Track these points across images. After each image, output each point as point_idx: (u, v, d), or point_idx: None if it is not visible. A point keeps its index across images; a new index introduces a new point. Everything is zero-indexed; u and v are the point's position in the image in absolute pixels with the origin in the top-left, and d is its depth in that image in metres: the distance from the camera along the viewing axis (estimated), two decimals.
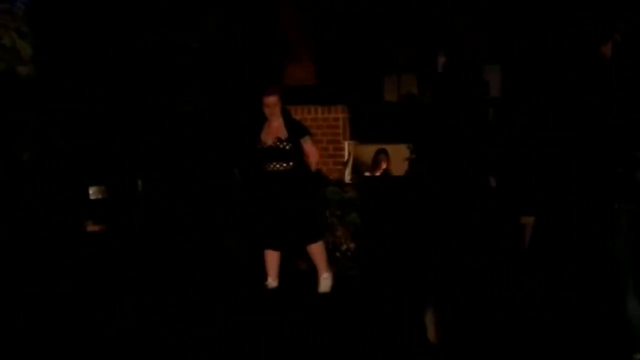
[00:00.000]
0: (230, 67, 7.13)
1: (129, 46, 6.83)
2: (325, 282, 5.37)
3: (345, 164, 6.66)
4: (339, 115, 6.74)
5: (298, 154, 5.27)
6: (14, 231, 6.01)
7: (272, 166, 5.27)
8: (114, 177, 6.66)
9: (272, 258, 5.45)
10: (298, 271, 5.93)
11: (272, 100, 5.30)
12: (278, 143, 5.24)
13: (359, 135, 7.10)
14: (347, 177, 6.52)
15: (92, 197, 6.48)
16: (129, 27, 6.82)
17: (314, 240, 5.36)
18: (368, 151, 6.93)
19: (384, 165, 6.67)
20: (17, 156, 6.39)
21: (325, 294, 5.35)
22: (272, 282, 5.47)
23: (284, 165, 5.24)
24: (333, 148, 6.34)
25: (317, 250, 5.37)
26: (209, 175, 6.83)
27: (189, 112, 7.04)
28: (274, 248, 5.44)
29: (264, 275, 5.49)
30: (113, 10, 6.77)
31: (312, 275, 5.64)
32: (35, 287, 5.49)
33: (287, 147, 5.23)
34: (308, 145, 5.32)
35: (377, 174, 6.66)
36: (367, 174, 6.78)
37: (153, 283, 5.75)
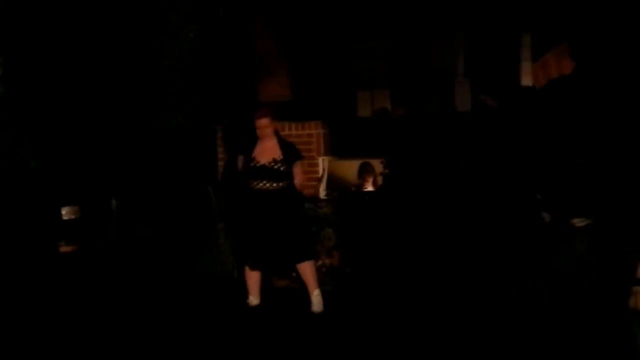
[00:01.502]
0: (205, 83, 7.12)
1: (102, 64, 6.79)
2: (317, 298, 5.38)
3: (319, 179, 6.67)
4: (312, 131, 6.76)
5: (289, 176, 5.33)
6: None
7: (261, 184, 5.29)
8: (87, 197, 6.58)
9: (253, 276, 5.45)
10: (276, 289, 5.92)
11: (264, 122, 5.35)
12: (273, 164, 5.29)
13: (334, 150, 7.12)
14: (322, 193, 6.54)
15: (65, 217, 6.40)
16: (101, 44, 6.78)
17: (306, 259, 5.37)
18: (343, 166, 6.97)
19: (370, 179, 6.68)
20: None
21: (315, 312, 5.36)
22: (253, 299, 5.46)
23: (274, 185, 5.29)
24: (307, 164, 6.35)
25: (308, 269, 5.38)
26: (183, 194, 6.80)
27: (162, 130, 7.01)
28: (261, 269, 5.44)
29: (245, 294, 5.47)
30: (86, 27, 6.73)
31: (292, 292, 5.71)
32: (8, 307, 5.41)
33: (282, 169, 5.30)
34: (298, 169, 5.41)
35: (368, 188, 6.66)
36: (353, 189, 6.79)
37: (128, 303, 5.70)
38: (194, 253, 6.43)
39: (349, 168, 6.84)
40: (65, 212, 6.37)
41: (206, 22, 7.04)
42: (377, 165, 6.69)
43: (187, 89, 7.10)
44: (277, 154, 5.33)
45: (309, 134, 6.76)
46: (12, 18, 6.39)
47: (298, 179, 5.41)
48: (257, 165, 5.32)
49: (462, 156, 6.35)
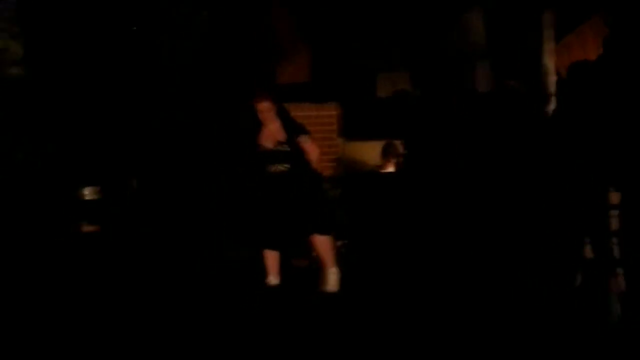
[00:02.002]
0: (223, 66, 7.12)
1: (121, 45, 6.82)
2: (332, 276, 5.33)
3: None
4: (332, 112, 6.74)
5: (298, 154, 5.29)
6: (8, 233, 5.99)
7: (274, 168, 5.30)
8: (108, 178, 6.64)
9: (271, 256, 5.45)
10: (296, 269, 5.90)
11: (264, 105, 5.31)
12: (278, 146, 5.28)
13: (352, 132, 7.10)
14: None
15: (86, 197, 6.46)
16: (121, 27, 6.80)
17: (322, 232, 5.34)
18: (361, 148, 6.93)
19: (393, 160, 6.60)
20: (10, 158, 6.38)
21: (329, 291, 5.30)
22: (273, 279, 5.46)
23: (285, 166, 5.28)
24: (327, 145, 6.33)
25: (324, 243, 5.34)
26: (205, 175, 6.82)
27: (184, 112, 7.03)
28: (279, 249, 5.43)
29: (264, 274, 5.47)
30: (105, 10, 6.75)
31: (312, 272, 5.67)
32: (30, 288, 5.47)
33: (288, 149, 5.27)
34: (307, 145, 5.32)
35: (389, 169, 6.58)
36: (375, 169, 6.71)
37: (149, 284, 5.73)
38: (214, 236, 6.45)
39: (367, 149, 6.80)
40: (88, 193, 6.44)
41: (223, 5, 7.03)
42: (400, 146, 6.64)
43: (207, 72, 7.11)
44: (281, 135, 5.31)
45: (329, 114, 6.74)
46: (28, 5, 6.41)
47: (312, 154, 5.33)
48: (265, 150, 5.32)
49: (477, 144, 6.25)
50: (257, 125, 5.38)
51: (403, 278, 5.60)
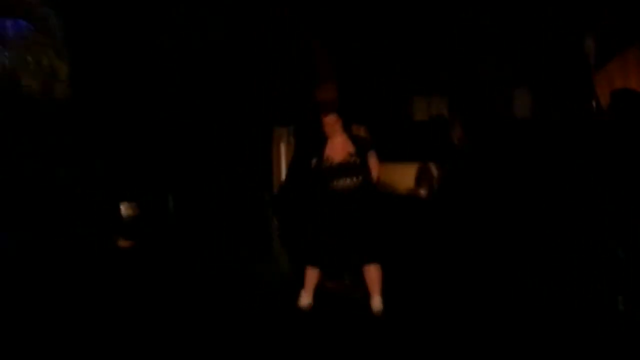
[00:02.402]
0: (262, 87, 7.23)
1: (162, 65, 6.99)
2: (376, 304, 5.24)
3: None
4: (363, 134, 6.75)
5: (365, 168, 5.24)
6: (47, 246, 6.12)
7: (341, 182, 5.20)
8: (145, 194, 6.75)
9: (313, 275, 5.35)
10: (327, 291, 5.85)
11: (332, 119, 5.31)
12: (349, 158, 5.22)
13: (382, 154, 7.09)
14: None
15: (123, 213, 6.58)
16: (161, 47, 6.98)
17: (374, 260, 5.25)
18: (393, 170, 6.87)
19: (426, 185, 6.50)
20: (53, 177, 6.54)
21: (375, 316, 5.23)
22: (306, 298, 5.37)
23: (355, 179, 5.19)
24: None
25: (375, 273, 5.24)
26: (239, 194, 6.89)
27: (221, 133, 7.14)
28: (328, 268, 5.36)
29: (298, 293, 5.41)
30: (146, 30, 6.93)
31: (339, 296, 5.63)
32: (64, 301, 5.56)
33: (358, 162, 5.21)
34: (373, 160, 5.30)
35: (422, 192, 6.48)
36: (409, 193, 6.63)
37: (181, 299, 5.77)
38: (248, 258, 6.47)
39: (399, 172, 6.74)
40: (124, 209, 6.56)
41: (261, 25, 7.15)
42: (434, 170, 6.57)
43: (245, 93, 7.22)
44: (350, 148, 5.27)
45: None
46: (75, 25, 6.62)
47: (374, 170, 5.29)
48: (333, 164, 5.25)
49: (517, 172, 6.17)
50: (321, 140, 5.34)
51: (437, 303, 5.50)
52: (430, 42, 8.12)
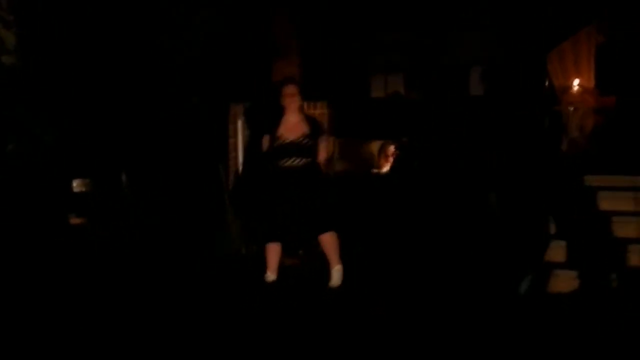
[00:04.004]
0: (220, 64, 7.12)
1: (115, 37, 6.80)
2: (337, 274, 5.35)
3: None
4: (323, 111, 6.75)
5: (315, 150, 5.32)
6: None
7: (289, 162, 5.28)
8: (98, 170, 6.60)
9: (274, 252, 5.43)
10: (286, 267, 5.84)
11: (290, 89, 5.33)
12: (302, 139, 5.27)
13: (342, 131, 7.11)
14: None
15: (75, 190, 6.43)
16: (115, 17, 6.78)
17: (329, 230, 5.34)
18: (351, 147, 6.95)
19: (389, 160, 6.65)
20: (1, 148, 6.34)
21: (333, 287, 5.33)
22: (271, 275, 5.44)
23: (303, 160, 5.27)
24: None
25: (330, 240, 5.34)
26: (193, 171, 6.80)
27: (176, 107, 7.01)
28: (285, 241, 5.41)
29: (256, 272, 5.46)
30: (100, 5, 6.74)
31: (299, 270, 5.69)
32: (18, 279, 5.43)
33: (310, 143, 5.28)
34: (324, 144, 5.40)
35: (385, 169, 6.60)
36: (374, 170, 6.75)
37: (138, 277, 5.68)
38: (202, 232, 6.42)
39: (359, 149, 6.83)
40: (76, 185, 6.41)
41: (223, 3, 7.04)
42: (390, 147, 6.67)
43: (201, 69, 7.10)
44: (305, 129, 5.32)
45: (321, 113, 6.75)
46: None
47: (323, 154, 5.39)
48: (285, 142, 5.29)
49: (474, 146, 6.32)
50: (275, 118, 5.37)
51: (397, 276, 5.59)
52: (390, 20, 8.14)
